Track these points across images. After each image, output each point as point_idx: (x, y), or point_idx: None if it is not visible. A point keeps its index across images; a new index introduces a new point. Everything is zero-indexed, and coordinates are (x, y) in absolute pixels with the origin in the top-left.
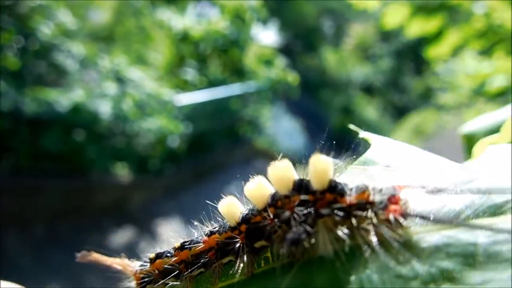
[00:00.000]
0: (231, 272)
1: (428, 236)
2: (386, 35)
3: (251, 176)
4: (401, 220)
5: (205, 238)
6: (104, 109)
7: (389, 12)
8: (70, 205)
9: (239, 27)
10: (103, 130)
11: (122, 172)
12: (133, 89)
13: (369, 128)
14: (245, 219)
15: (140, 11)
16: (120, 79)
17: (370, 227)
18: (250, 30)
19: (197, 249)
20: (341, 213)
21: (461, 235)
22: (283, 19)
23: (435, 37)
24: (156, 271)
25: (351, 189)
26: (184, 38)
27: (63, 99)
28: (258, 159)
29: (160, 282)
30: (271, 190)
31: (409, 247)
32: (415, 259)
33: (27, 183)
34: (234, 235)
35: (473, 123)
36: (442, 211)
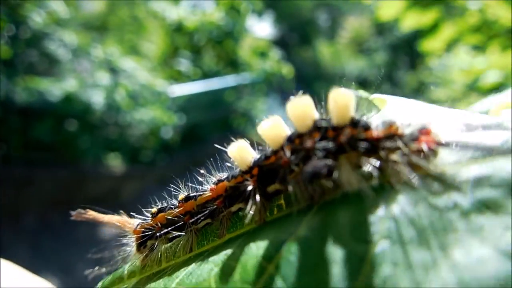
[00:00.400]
0: (240, 222)
1: (466, 168)
2: (381, 29)
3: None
4: (436, 149)
5: (213, 186)
6: (97, 99)
7: (384, 5)
8: (62, 196)
9: (234, 18)
10: (96, 120)
11: (115, 162)
12: (126, 79)
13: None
14: (258, 162)
15: (134, 1)
16: (113, 69)
17: (401, 159)
18: (245, 21)
19: (203, 197)
20: (366, 146)
21: (504, 165)
22: (278, 11)
23: (430, 30)
24: (158, 225)
25: (377, 124)
26: (178, 28)
27: (55, 89)
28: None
29: (162, 233)
30: (287, 131)
31: (446, 178)
32: (453, 190)
33: (19, 174)
34: (245, 178)
35: (483, 102)
36: (479, 142)
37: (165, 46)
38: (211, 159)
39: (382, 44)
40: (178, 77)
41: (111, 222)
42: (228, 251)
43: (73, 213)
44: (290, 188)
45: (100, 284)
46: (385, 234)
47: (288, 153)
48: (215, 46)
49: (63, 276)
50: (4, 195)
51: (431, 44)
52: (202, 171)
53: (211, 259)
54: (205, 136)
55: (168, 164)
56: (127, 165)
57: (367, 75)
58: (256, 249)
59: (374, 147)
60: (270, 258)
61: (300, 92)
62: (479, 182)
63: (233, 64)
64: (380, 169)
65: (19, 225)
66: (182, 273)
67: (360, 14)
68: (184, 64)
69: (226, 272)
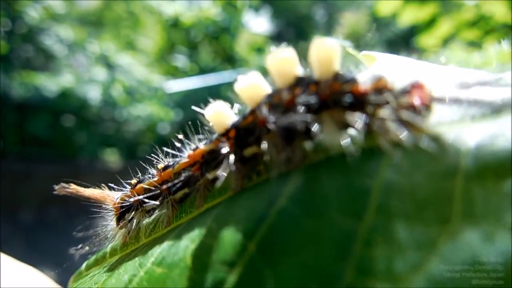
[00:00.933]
0: (218, 191)
1: (465, 128)
2: (378, 25)
3: None
4: (430, 104)
5: (191, 152)
6: (93, 94)
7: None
8: None
9: (231, 14)
10: (92, 116)
11: (112, 158)
12: (123, 75)
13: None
14: (235, 123)
15: None
16: (109, 65)
17: (391, 115)
18: (241, 17)
19: (181, 165)
20: (352, 101)
21: (507, 124)
22: (275, 6)
23: (428, 25)
24: (136, 197)
25: (364, 79)
26: (175, 24)
27: (51, 84)
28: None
29: (138, 204)
30: (267, 88)
31: (442, 138)
32: (452, 153)
33: (15, 169)
34: (222, 142)
35: None
36: (477, 99)
37: (161, 41)
38: (189, 123)
39: (379, 39)
40: (175, 73)
41: (92, 195)
42: (205, 225)
43: (56, 187)
44: (264, 147)
45: (84, 264)
46: (378, 208)
47: (265, 111)
48: (211, 41)
49: (59, 271)
50: (1, 190)
51: (428, 40)
52: (180, 137)
53: (187, 235)
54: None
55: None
56: (123, 160)
57: None
58: (235, 223)
59: (361, 102)
60: (250, 235)
61: (283, 45)
62: (481, 144)
63: (229, 60)
64: (367, 127)
65: (16, 220)
66: (157, 251)
67: (357, 10)
68: (180, 60)
69: (202, 251)
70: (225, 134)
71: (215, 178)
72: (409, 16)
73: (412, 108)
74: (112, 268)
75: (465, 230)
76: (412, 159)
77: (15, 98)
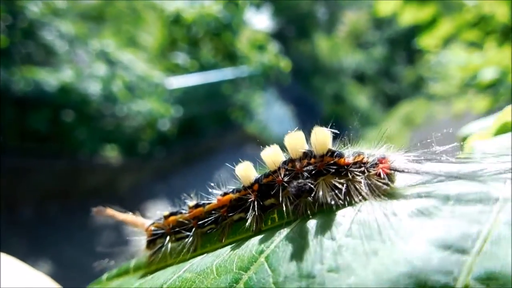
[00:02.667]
0: (239, 230)
1: (412, 188)
2: (379, 23)
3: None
4: (390, 173)
5: (220, 197)
6: (94, 90)
7: None
8: (58, 187)
9: (232, 11)
10: (93, 111)
11: (112, 154)
12: (123, 70)
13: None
14: (258, 179)
15: None
16: (110, 61)
17: (363, 180)
18: (243, 14)
19: (211, 206)
20: (339, 171)
21: (441, 186)
22: (276, 4)
23: (428, 25)
24: (168, 226)
25: (349, 154)
26: (176, 20)
27: (51, 79)
28: (248, 144)
29: (172, 232)
30: (283, 157)
31: (395, 194)
32: (397, 200)
33: (15, 164)
34: (247, 193)
35: (471, 126)
36: (426, 169)
37: (162, 38)
38: (220, 175)
39: (380, 38)
40: (176, 69)
41: (127, 220)
42: (228, 249)
43: (94, 209)
44: (282, 200)
45: (105, 275)
46: (347, 233)
47: (282, 174)
48: (213, 38)
49: (59, 267)
50: (0, 186)
51: (429, 39)
52: (212, 184)
53: (213, 253)
54: (202, 129)
55: (165, 156)
56: (123, 157)
57: (365, 69)
58: (251, 246)
59: (344, 171)
60: (261, 251)
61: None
62: (419, 196)
63: (231, 57)
64: (347, 187)
65: (15, 216)
66: (187, 264)
67: (359, 8)
68: (181, 56)
69: (226, 262)
70: (250, 187)
71: (239, 219)
72: (409, 16)
73: (378, 176)
74: (143, 277)
75: (401, 245)
76: (373, 206)
77: (15, 92)
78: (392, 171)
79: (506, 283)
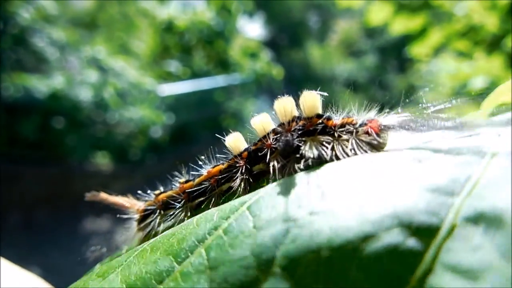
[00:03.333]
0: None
1: (404, 146)
2: (371, 32)
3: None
4: (379, 131)
5: (210, 169)
6: (85, 97)
7: (373, 9)
8: (48, 194)
9: (225, 18)
10: (84, 118)
11: (103, 161)
12: (115, 77)
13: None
14: (248, 147)
15: None
16: (101, 67)
17: (351, 139)
18: (236, 22)
19: (200, 178)
20: (326, 130)
21: (433, 144)
22: (269, 12)
23: (419, 34)
24: (159, 203)
25: (338, 117)
26: (168, 27)
27: (42, 86)
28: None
29: (161, 208)
30: (273, 125)
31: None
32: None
33: (4, 170)
34: (237, 161)
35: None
36: (417, 127)
37: (155, 45)
38: (209, 149)
39: (371, 47)
40: (168, 76)
41: (118, 202)
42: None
43: (88, 194)
44: (269, 161)
45: (98, 265)
46: (332, 181)
47: (271, 138)
48: (205, 45)
49: (48, 274)
50: None
51: (419, 49)
52: (202, 157)
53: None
54: (194, 136)
55: (157, 163)
56: (115, 163)
57: (357, 78)
58: (234, 202)
59: (333, 131)
60: (244, 202)
61: (286, 93)
62: (411, 149)
63: (223, 64)
64: (333, 147)
65: (4, 223)
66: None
67: (350, 17)
68: (174, 64)
69: (206, 214)
70: (240, 155)
71: (228, 189)
72: (400, 26)
73: (366, 133)
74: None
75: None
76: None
77: (5, 99)
78: (382, 129)
79: (495, 221)
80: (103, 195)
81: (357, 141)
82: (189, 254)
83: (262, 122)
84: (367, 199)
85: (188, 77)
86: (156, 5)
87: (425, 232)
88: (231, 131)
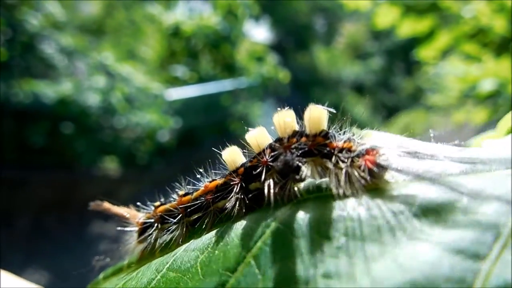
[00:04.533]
0: (225, 217)
1: (411, 185)
2: (377, 35)
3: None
4: (373, 169)
5: (207, 183)
6: (93, 102)
7: (380, 12)
8: (56, 199)
9: (231, 23)
10: (91, 123)
11: (110, 166)
12: (122, 82)
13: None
14: (244, 163)
15: (131, 4)
16: (109, 73)
17: (345, 169)
18: (242, 26)
19: (198, 192)
20: (327, 153)
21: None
22: (275, 16)
23: (427, 37)
24: (157, 216)
25: (341, 138)
26: (175, 32)
27: (50, 91)
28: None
29: (158, 223)
30: (270, 138)
31: (383, 191)
32: (394, 197)
33: (13, 176)
34: (232, 177)
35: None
36: (418, 169)
37: (161, 50)
38: (209, 160)
39: (378, 50)
40: (175, 81)
41: (120, 213)
42: (213, 242)
43: (91, 203)
44: (264, 181)
45: (101, 275)
46: (344, 232)
47: (268, 154)
48: (212, 50)
49: (55, 279)
50: None
51: (427, 51)
52: (201, 170)
53: (197, 243)
54: (201, 140)
55: (164, 167)
56: (122, 168)
57: (363, 81)
58: (237, 239)
59: (332, 155)
60: (249, 249)
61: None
62: (421, 192)
63: (229, 69)
64: (330, 172)
65: (13, 228)
66: (171, 259)
67: (357, 20)
68: (180, 68)
69: (210, 260)
70: (235, 171)
71: (224, 207)
72: (407, 28)
73: (359, 168)
74: (130, 274)
75: (401, 254)
76: (366, 201)
77: (14, 105)
78: (378, 165)
79: None
80: (106, 205)
81: (351, 172)
82: None
83: (257, 137)
84: (384, 261)
85: (195, 82)
86: (163, 10)
87: None
88: (229, 145)
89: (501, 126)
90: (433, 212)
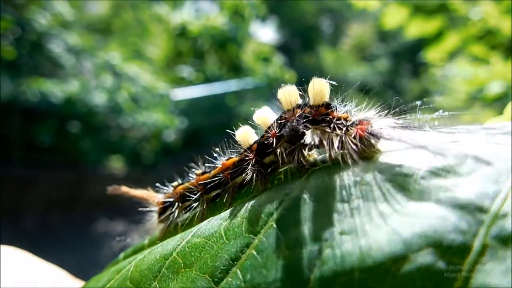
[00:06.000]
0: (245, 193)
1: (384, 156)
2: (384, 36)
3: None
4: (365, 136)
5: (224, 161)
6: (99, 101)
7: (388, 12)
8: (63, 197)
9: (238, 23)
10: (98, 122)
11: (116, 165)
12: (129, 82)
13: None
14: (256, 140)
15: (138, 1)
16: (116, 72)
17: (340, 135)
18: (248, 27)
19: (215, 170)
20: (328, 121)
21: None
22: (281, 17)
23: (434, 38)
24: (177, 195)
25: (341, 110)
26: (182, 33)
27: (58, 90)
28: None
29: (179, 201)
30: (275, 115)
31: (372, 160)
32: (363, 168)
33: (20, 175)
34: (247, 154)
35: None
36: (412, 138)
37: (168, 50)
38: (226, 139)
39: (385, 51)
40: (181, 81)
41: (139, 195)
42: (235, 210)
43: (109, 188)
44: (276, 148)
45: (122, 254)
46: (358, 195)
47: (276, 126)
48: (218, 50)
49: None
50: (5, 196)
51: (435, 53)
52: (217, 149)
53: (219, 216)
54: (207, 140)
55: (170, 167)
56: (128, 167)
57: (370, 82)
58: (258, 206)
59: (331, 122)
60: (270, 214)
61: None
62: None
63: (236, 69)
64: (327, 136)
65: (19, 226)
66: (195, 228)
67: (363, 21)
68: (187, 68)
69: (234, 225)
70: (249, 148)
71: (242, 182)
72: (415, 30)
73: (351, 136)
74: (154, 243)
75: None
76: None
77: (21, 104)
78: (369, 134)
79: None
80: (124, 189)
81: (344, 140)
82: (225, 273)
83: (263, 114)
84: (395, 217)
85: (201, 82)
86: (170, 10)
87: (457, 252)
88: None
89: (508, 109)
90: (436, 175)
